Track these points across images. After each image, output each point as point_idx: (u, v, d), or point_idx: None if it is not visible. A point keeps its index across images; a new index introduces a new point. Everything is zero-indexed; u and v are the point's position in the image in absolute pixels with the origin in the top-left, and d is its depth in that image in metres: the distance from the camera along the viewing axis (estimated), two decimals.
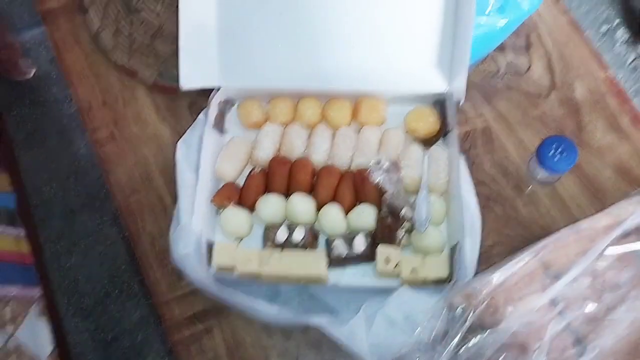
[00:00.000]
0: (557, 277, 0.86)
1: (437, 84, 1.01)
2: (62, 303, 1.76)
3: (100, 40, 1.13)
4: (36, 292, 1.16)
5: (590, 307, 0.85)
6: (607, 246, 0.88)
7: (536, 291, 0.85)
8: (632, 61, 2.29)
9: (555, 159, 0.95)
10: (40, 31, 2.18)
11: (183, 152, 0.96)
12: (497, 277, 0.84)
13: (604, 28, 2.34)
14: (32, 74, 2.10)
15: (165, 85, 1.10)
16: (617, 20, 2.34)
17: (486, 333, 0.82)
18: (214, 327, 0.95)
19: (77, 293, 1.80)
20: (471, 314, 0.83)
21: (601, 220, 0.90)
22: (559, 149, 0.95)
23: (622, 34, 2.33)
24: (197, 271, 0.87)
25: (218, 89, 1.01)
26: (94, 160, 1.98)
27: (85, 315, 1.78)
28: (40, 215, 1.89)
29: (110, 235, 1.88)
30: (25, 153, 1.99)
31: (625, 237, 0.89)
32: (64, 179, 1.97)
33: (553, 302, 0.85)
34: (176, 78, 1.08)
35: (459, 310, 0.84)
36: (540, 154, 0.96)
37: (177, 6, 1.12)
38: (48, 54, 2.16)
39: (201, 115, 1.00)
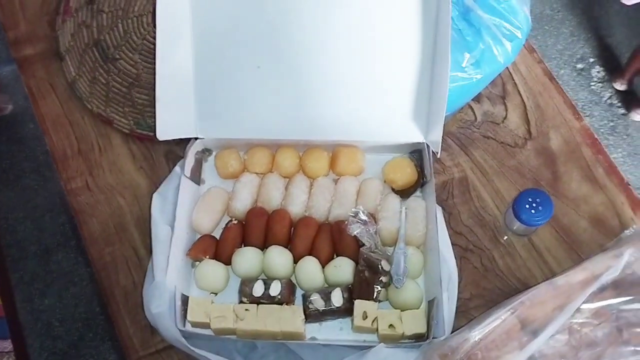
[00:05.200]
0: (534, 333, 0.85)
1: (414, 135, 1.01)
2: (35, 347, 1.71)
3: (77, 88, 1.12)
4: (7, 345, 1.12)
5: None
6: (583, 302, 0.88)
7: (514, 349, 0.84)
8: (608, 98, 2.33)
9: (531, 213, 0.95)
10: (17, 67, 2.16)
11: (158, 204, 0.95)
12: (475, 335, 0.84)
13: (580, 66, 2.39)
14: (8, 110, 2.08)
15: (142, 134, 1.09)
16: (593, 59, 2.39)
17: None
18: None
19: (50, 337, 1.75)
20: None
21: (577, 275, 0.90)
22: (535, 203, 0.95)
23: (597, 71, 2.37)
24: (170, 330, 0.85)
25: (195, 139, 1.00)
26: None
27: None
28: (13, 255, 1.85)
29: (86, 276, 1.84)
30: None
31: (601, 292, 0.90)
32: (39, 217, 1.93)
33: None
34: (153, 127, 1.07)
35: None
36: (516, 208, 0.96)
37: (154, 56, 1.12)
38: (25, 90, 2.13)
39: (177, 167, 0.99)
